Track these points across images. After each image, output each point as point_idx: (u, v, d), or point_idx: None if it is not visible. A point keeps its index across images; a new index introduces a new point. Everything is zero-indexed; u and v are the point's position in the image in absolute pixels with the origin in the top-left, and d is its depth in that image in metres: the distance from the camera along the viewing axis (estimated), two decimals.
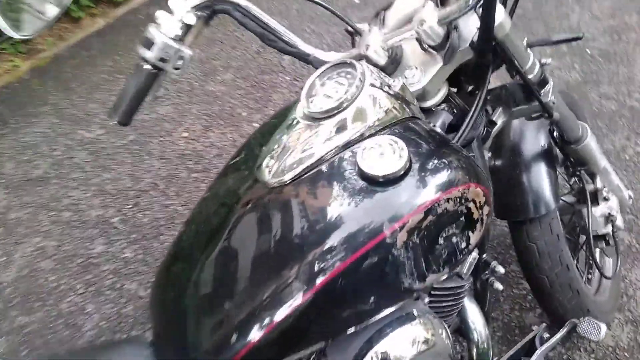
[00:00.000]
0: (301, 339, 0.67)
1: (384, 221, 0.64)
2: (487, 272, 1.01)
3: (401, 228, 0.64)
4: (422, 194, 0.66)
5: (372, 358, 0.73)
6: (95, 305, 1.67)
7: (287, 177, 0.70)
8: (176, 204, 1.97)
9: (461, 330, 1.02)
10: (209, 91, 2.52)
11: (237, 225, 0.73)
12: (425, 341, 0.77)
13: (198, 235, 0.79)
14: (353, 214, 0.65)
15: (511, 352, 1.10)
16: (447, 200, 0.67)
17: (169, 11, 0.79)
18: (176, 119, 2.36)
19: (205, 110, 2.40)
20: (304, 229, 0.67)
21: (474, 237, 0.73)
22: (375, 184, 0.66)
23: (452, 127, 0.88)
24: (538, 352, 1.03)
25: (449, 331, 0.83)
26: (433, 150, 0.70)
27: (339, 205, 0.66)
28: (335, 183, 0.68)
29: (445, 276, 0.74)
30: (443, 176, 0.68)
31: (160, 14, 0.79)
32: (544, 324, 1.12)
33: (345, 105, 0.70)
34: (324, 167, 0.69)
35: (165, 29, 0.77)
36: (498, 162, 1.17)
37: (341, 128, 0.70)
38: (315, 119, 0.72)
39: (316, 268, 0.64)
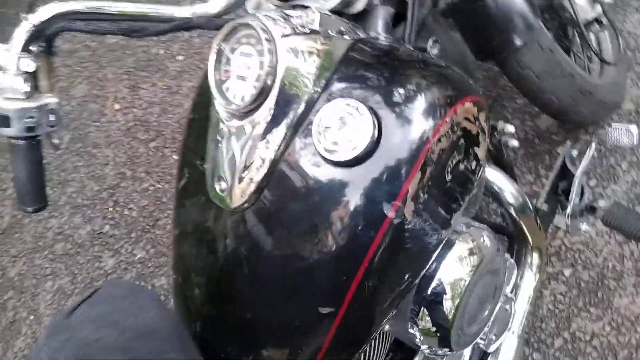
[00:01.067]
0: (350, 344, 0.61)
1: (381, 204, 0.53)
2: (496, 135, 0.91)
3: (404, 202, 0.53)
4: (408, 152, 0.53)
5: (429, 300, 0.68)
6: None
7: (247, 197, 0.57)
8: (153, 183, 1.84)
9: (493, 196, 0.96)
10: (112, 44, 2.20)
11: (232, 264, 0.63)
12: (472, 254, 0.72)
13: (197, 285, 0.69)
14: (343, 211, 0.54)
15: (547, 187, 1.04)
16: (439, 140, 0.54)
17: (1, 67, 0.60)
18: (98, 94, 2.09)
19: (121, 68, 2.11)
20: (295, 248, 0.56)
21: (482, 150, 0.62)
22: (349, 165, 0.53)
23: (398, 16, 0.70)
24: (576, 179, 0.97)
25: (490, 231, 0.77)
26: (397, 84, 0.55)
27: (322, 208, 0.54)
28: (303, 184, 0.55)
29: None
30: (423, 115, 0.54)
31: None
32: (568, 142, 1.04)
33: (269, 81, 0.54)
34: (283, 170, 0.56)
35: (8, 92, 0.60)
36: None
37: (281, 110, 0.55)
38: (244, 113, 0.57)
39: (335, 285, 0.56)
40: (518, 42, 0.94)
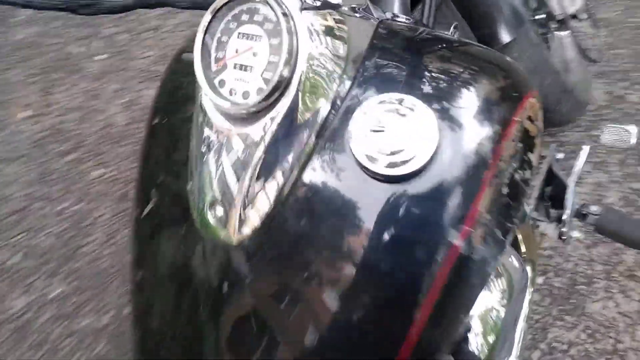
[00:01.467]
0: None
1: (447, 230, 0.39)
2: None
3: (473, 225, 0.40)
4: (475, 161, 0.41)
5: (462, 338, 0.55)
6: None
7: (255, 227, 0.42)
8: (70, 205, 1.57)
9: None
10: (19, 41, 1.89)
11: (236, 318, 0.45)
12: (499, 276, 0.61)
13: (179, 347, 0.50)
14: (393, 241, 0.40)
15: (534, 193, 0.96)
16: (507, 145, 0.42)
17: None
18: (3, 100, 1.78)
19: (32, 70, 1.82)
20: (329, 295, 0.41)
21: (536, 157, 0.50)
22: (401, 180, 0.39)
23: None
24: (570, 185, 0.89)
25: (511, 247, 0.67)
26: (452, 75, 0.43)
27: (363, 238, 0.40)
28: (336, 207, 0.40)
29: None
30: (489, 115, 0.43)
31: None
32: (553, 145, 0.97)
33: (286, 72, 0.39)
34: (304, 190, 0.41)
35: None
36: None
37: (301, 110, 0.41)
38: (248, 115, 0.41)
39: (384, 340, 0.42)
40: (506, 37, 0.85)
